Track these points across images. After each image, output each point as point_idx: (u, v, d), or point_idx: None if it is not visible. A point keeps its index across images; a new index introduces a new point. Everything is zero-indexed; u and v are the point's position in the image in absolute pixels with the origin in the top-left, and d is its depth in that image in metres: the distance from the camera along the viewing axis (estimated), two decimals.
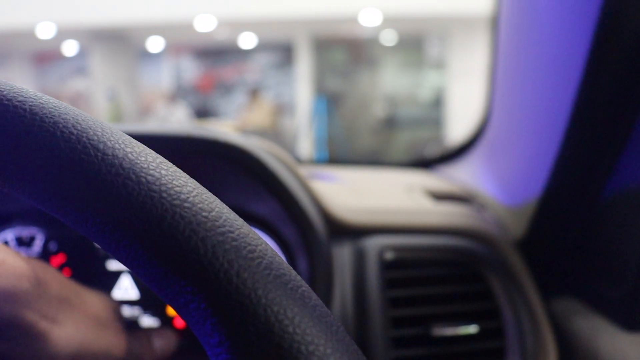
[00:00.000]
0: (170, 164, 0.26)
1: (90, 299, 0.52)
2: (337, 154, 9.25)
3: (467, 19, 8.28)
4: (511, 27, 0.77)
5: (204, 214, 0.24)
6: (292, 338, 0.22)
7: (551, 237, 0.75)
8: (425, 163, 1.25)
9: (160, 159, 0.26)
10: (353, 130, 9.86)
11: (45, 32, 9.01)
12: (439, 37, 9.63)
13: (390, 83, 9.93)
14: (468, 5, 7.70)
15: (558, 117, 0.62)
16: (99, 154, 0.24)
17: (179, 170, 0.26)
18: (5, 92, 0.25)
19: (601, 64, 0.55)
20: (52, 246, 0.81)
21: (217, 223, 0.24)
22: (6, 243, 0.80)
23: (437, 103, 9.79)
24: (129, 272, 0.80)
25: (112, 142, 0.25)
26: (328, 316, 0.24)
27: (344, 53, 10.02)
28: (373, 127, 9.94)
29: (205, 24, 8.75)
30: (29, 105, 0.25)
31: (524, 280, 0.74)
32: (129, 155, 0.25)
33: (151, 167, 0.25)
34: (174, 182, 0.25)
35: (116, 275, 0.81)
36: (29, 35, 9.16)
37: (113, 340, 0.51)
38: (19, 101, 0.25)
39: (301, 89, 9.79)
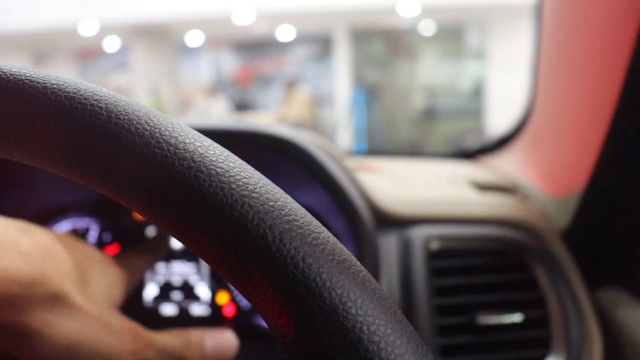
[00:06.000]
0: (236, 157, 0.28)
1: (99, 288, 0.47)
2: (376, 146, 9.22)
3: (507, 7, 8.16)
4: (556, 15, 0.76)
5: (271, 203, 0.26)
6: (355, 319, 0.23)
7: (596, 227, 0.75)
8: (467, 154, 1.25)
9: (227, 152, 0.28)
10: (392, 121, 9.81)
11: (88, 29, 9.17)
12: (478, 26, 9.51)
13: (429, 74, 9.85)
14: None
15: (604, 106, 0.62)
16: (171, 148, 0.26)
17: (244, 162, 0.28)
18: (81, 92, 0.27)
19: None
20: (106, 237, 0.84)
21: (283, 212, 0.26)
22: None
23: (477, 93, 9.67)
24: (180, 259, 0.83)
25: (183, 137, 0.27)
26: (387, 299, 0.25)
27: (382, 44, 9.97)
28: (412, 119, 9.88)
29: (243, 18, 8.80)
30: (105, 104, 0.27)
31: (568, 269, 0.74)
32: (199, 149, 0.26)
33: (220, 160, 0.26)
34: (241, 174, 0.26)
35: (168, 262, 0.83)
36: (72, 32, 9.34)
37: (121, 342, 0.45)
38: (95, 100, 0.27)
39: (340, 80, 9.78)
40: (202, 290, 0.82)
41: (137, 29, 9.28)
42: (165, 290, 0.83)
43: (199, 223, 0.25)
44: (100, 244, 0.84)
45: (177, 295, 0.82)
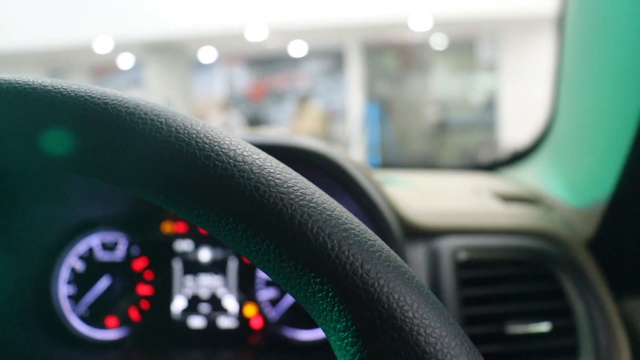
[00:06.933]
0: (290, 169, 0.29)
1: None
2: (390, 160, 9.20)
3: (519, 20, 8.15)
4: (579, 27, 0.77)
5: (328, 212, 0.27)
6: (412, 322, 0.24)
7: (621, 236, 0.75)
8: (489, 166, 1.25)
9: (282, 164, 0.29)
10: (405, 135, 9.81)
11: (102, 46, 9.26)
12: (490, 39, 9.51)
13: (442, 87, 9.84)
14: (519, 6, 7.59)
15: (629, 117, 0.63)
16: (231, 160, 0.27)
17: (298, 174, 0.29)
18: (141, 107, 0.28)
19: None
20: (135, 250, 0.85)
21: (340, 220, 0.26)
22: (91, 249, 0.85)
23: (490, 106, 9.65)
24: (208, 272, 0.84)
25: (241, 150, 0.28)
26: (439, 303, 0.26)
27: (394, 58, 9.98)
28: (425, 132, 9.86)
29: (256, 34, 8.85)
30: (164, 118, 0.28)
31: (594, 279, 0.74)
32: (257, 161, 0.27)
33: (277, 172, 0.27)
34: (298, 184, 0.27)
35: (196, 275, 0.84)
36: (87, 50, 9.44)
37: None
38: (155, 114, 0.28)
39: (352, 95, 9.78)
40: (230, 302, 0.83)
41: (150, 45, 9.34)
42: (193, 303, 0.84)
43: (259, 232, 0.26)
44: (129, 258, 0.85)
45: (205, 307, 0.83)
